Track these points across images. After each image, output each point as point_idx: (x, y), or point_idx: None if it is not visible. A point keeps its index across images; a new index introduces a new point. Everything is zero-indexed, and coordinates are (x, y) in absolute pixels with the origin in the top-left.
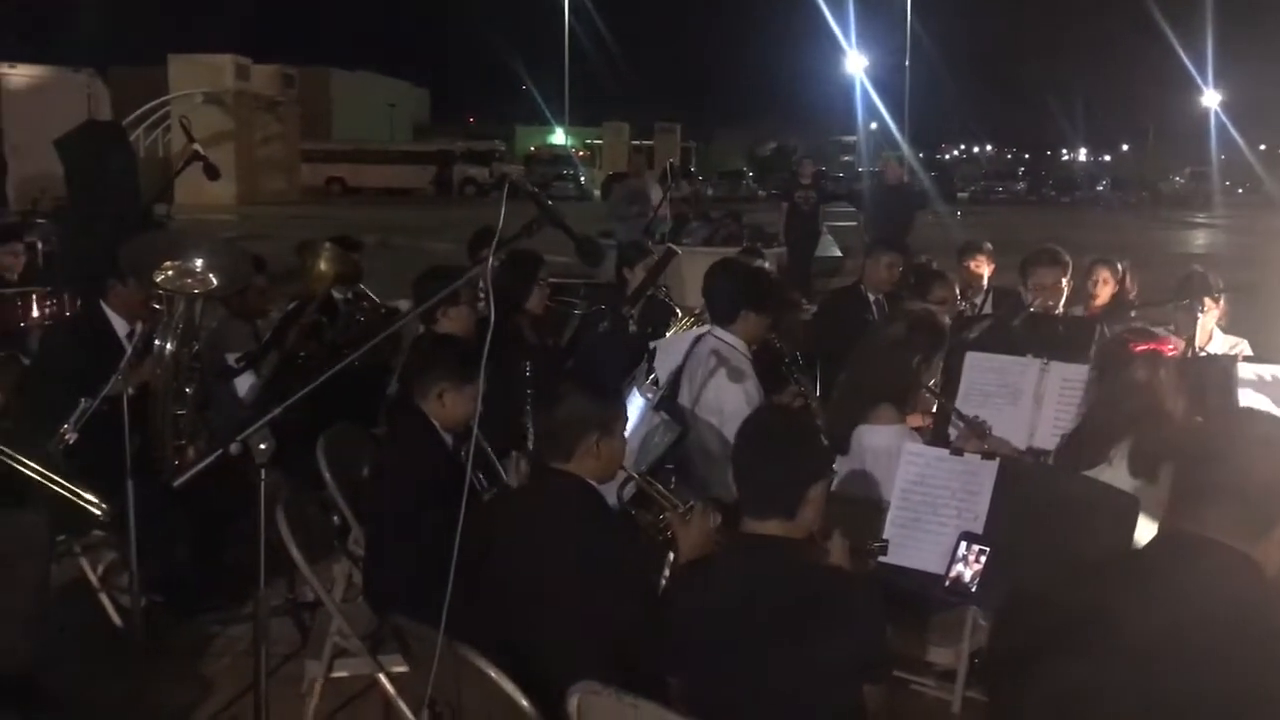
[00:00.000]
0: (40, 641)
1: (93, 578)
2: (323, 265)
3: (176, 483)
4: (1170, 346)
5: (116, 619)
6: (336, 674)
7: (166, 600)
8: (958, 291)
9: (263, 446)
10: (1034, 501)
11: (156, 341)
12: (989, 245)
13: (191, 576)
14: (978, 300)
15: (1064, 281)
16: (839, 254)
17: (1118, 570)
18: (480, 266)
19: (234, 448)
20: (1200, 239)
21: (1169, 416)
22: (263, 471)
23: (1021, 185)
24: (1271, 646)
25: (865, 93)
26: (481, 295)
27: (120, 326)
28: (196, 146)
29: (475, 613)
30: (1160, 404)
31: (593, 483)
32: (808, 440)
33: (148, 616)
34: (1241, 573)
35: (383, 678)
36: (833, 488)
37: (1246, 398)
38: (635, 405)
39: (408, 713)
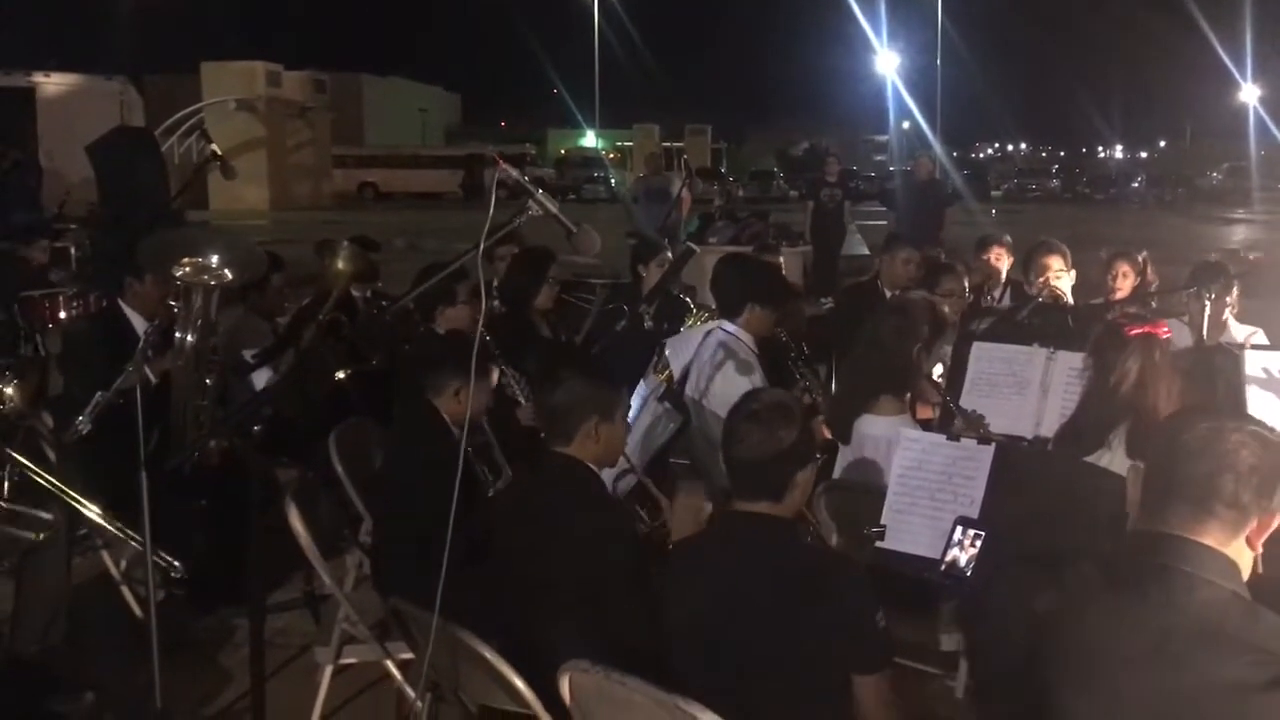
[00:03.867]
0: (61, 633)
1: (114, 571)
2: (340, 264)
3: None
4: (1164, 330)
5: (138, 611)
6: (345, 660)
7: (186, 592)
8: (967, 284)
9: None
10: (1029, 486)
11: (177, 334)
12: (1008, 238)
13: (211, 569)
14: (995, 293)
15: (1065, 267)
16: (867, 252)
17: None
18: (470, 255)
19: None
20: (1238, 234)
21: (1165, 399)
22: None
23: (1055, 183)
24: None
25: (897, 92)
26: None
27: (138, 324)
28: (214, 147)
29: (483, 597)
30: (1156, 387)
31: (593, 466)
32: (795, 425)
33: (167, 609)
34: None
35: (390, 663)
36: (834, 476)
37: (1252, 394)
38: (640, 396)
39: (411, 694)
